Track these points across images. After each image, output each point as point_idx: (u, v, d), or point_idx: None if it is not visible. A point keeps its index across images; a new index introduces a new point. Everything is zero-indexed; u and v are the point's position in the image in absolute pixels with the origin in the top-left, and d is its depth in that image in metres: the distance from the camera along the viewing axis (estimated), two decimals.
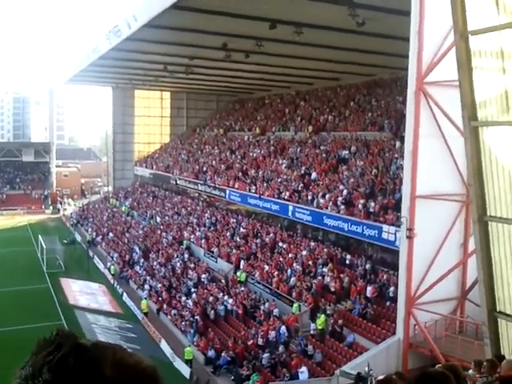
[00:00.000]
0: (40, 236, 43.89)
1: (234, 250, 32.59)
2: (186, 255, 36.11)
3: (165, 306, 29.81)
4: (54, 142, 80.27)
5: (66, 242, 47.85)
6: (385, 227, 22.15)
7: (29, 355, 1.09)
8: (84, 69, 47.37)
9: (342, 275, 24.91)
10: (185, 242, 38.07)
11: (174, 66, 40.34)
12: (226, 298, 27.89)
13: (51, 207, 70.88)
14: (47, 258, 39.99)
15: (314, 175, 31.41)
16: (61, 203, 72.79)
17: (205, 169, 44.36)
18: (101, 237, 48.40)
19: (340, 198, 26.72)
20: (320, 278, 25.35)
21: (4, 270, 39.03)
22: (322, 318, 22.50)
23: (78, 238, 51.74)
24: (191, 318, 26.71)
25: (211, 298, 28.29)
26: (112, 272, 37.96)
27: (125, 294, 33.76)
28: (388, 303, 21.93)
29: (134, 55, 38.68)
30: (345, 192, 27.10)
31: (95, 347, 1.08)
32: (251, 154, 41.61)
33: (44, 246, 40.58)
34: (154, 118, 68.21)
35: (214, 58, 34.98)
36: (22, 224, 61.07)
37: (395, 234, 20.95)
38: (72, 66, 52.26)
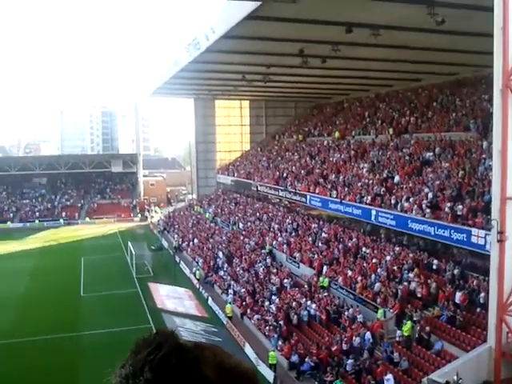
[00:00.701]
0: (129, 243, 46.03)
1: (316, 256, 32.53)
2: (269, 260, 36.49)
3: (248, 310, 30.25)
4: (140, 153, 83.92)
5: (153, 248, 49.88)
6: (474, 231, 21.32)
7: (128, 354, 1.10)
8: (166, 81, 49.21)
9: (429, 281, 24.18)
10: (267, 247, 38.50)
11: (252, 75, 40.99)
12: (308, 303, 27.87)
13: (139, 215, 74.11)
14: (136, 263, 41.86)
15: (396, 178, 30.76)
16: (148, 211, 75.94)
17: (285, 175, 44.66)
18: (186, 243, 49.96)
19: (425, 201, 25.99)
20: (406, 283, 24.75)
21: (97, 276, 41.37)
22: (408, 325, 21.95)
23: (165, 244, 53.76)
24: (275, 323, 26.93)
25: (294, 303, 28.37)
26: (197, 277, 39.08)
27: (210, 298, 34.63)
28: (478, 310, 21.01)
29: (212, 66, 39.75)
30: (430, 195, 26.33)
31: (196, 348, 1.09)
32: (331, 159, 41.40)
33: (133, 252, 42.51)
34: (234, 126, 69.70)
35: (291, 64, 35.19)
36: (113, 231, 64.34)
37: (485, 237, 20.11)
38: (155, 80, 54.50)
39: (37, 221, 70.55)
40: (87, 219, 72.31)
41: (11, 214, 72.60)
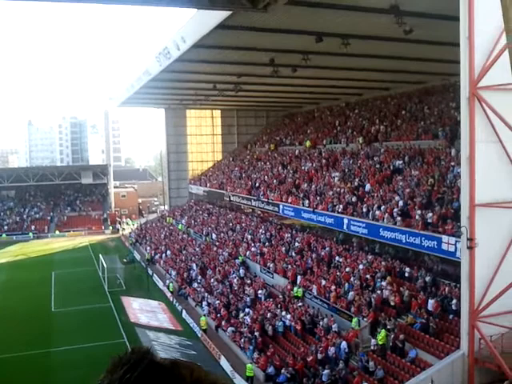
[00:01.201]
0: (101, 256, 45.27)
1: (290, 265, 32.47)
2: (242, 271, 36.29)
3: (223, 322, 29.98)
4: (110, 164, 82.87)
5: (125, 260, 49.17)
6: (444, 238, 21.52)
7: (103, 373, 1.06)
8: (137, 91, 48.79)
9: (401, 289, 24.36)
10: (240, 257, 38.29)
11: (223, 84, 40.99)
12: (283, 313, 27.75)
13: (110, 227, 73.08)
14: (108, 277, 41.15)
15: (367, 187, 30.98)
16: (120, 223, 74.96)
17: (257, 184, 44.60)
18: (159, 255, 49.39)
19: (396, 210, 26.20)
20: (379, 291, 24.86)
21: (68, 290, 40.55)
22: (382, 333, 22.00)
23: (138, 256, 53.02)
24: (250, 335, 26.72)
25: (269, 314, 28.22)
26: (171, 289, 38.62)
27: (184, 311, 34.22)
28: (451, 317, 21.21)
29: (183, 76, 39.60)
30: (401, 203, 26.56)
31: (173, 366, 1.05)
32: (303, 168, 41.53)
33: (105, 266, 41.80)
34: (205, 136, 69.49)
35: (262, 74, 35.32)
36: (84, 244, 63.29)
37: (455, 244, 20.32)
38: (125, 90, 54.02)
39: (4, 234, 68.89)
40: (57, 232, 70.96)
41: None
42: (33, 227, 71.58)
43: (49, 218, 75.50)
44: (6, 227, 71.54)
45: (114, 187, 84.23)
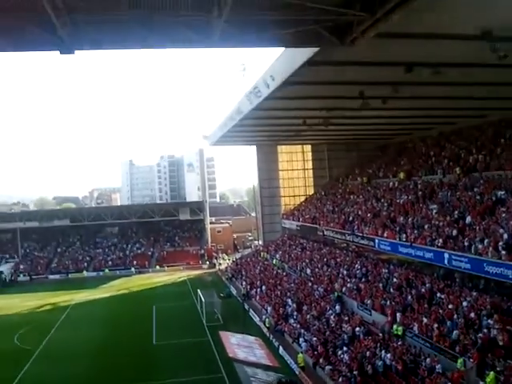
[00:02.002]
0: (199, 290, 46.58)
1: (389, 302, 31.62)
2: (339, 307, 35.79)
3: (321, 360, 29.61)
4: (206, 200, 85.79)
5: (222, 295, 50.20)
6: None
7: None
8: (229, 129, 50.44)
9: (510, 327, 22.88)
10: (336, 293, 37.83)
11: (313, 119, 41.36)
12: (383, 352, 26.95)
13: (207, 262, 75.09)
14: (206, 311, 42.18)
15: (468, 219, 29.74)
16: (216, 258, 76.86)
17: (351, 218, 44.17)
18: (254, 290, 49.95)
19: (501, 243, 24.90)
20: (485, 330, 23.53)
21: (168, 323, 42.02)
22: (491, 376, 20.72)
23: (234, 291, 53.96)
24: (348, 374, 26.18)
25: (368, 353, 27.52)
26: (267, 325, 38.81)
27: (281, 347, 34.21)
28: None
29: (274, 113, 40.50)
30: (505, 236, 25.23)
31: None
32: (398, 201, 40.65)
33: (203, 300, 42.94)
34: (297, 171, 70.23)
35: (352, 107, 35.34)
36: (182, 279, 65.46)
37: None
38: (218, 128, 56.10)
39: (107, 269, 73.04)
40: (157, 267, 74.03)
41: (85, 264, 75.62)
42: (135, 262, 75.34)
43: (149, 253, 79.16)
44: (109, 262, 75.86)
45: (210, 223, 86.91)
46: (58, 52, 12.98)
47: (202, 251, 78.63)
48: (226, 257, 78.75)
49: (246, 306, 45.36)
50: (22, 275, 72.54)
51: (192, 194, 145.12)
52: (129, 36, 13.51)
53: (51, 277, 72.10)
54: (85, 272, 72.72)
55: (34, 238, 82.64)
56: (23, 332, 41.40)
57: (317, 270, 45.77)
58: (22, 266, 75.29)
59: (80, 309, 50.63)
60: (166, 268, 73.22)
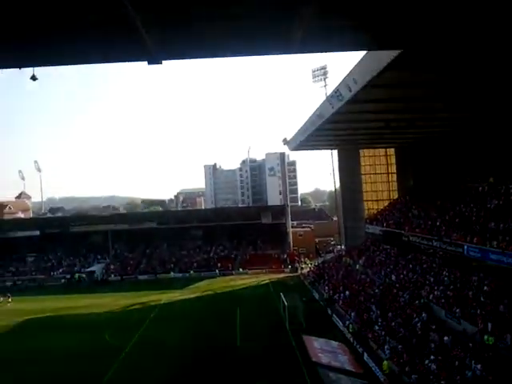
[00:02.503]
0: (281, 294, 47.03)
1: (479, 311, 30.44)
2: (425, 315, 34.88)
3: (407, 368, 29.03)
4: (288, 204, 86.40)
5: (305, 299, 50.31)
6: None
7: None
8: (310, 133, 50.51)
9: None
10: (423, 301, 36.89)
11: (397, 122, 40.60)
12: (473, 362, 26.02)
13: (289, 266, 75.48)
14: (289, 314, 42.49)
15: None
16: (298, 262, 77.06)
17: (438, 223, 42.87)
18: (337, 295, 49.67)
19: None
20: None
21: (251, 326, 42.66)
22: None
23: (316, 295, 53.94)
24: (436, 383, 25.51)
25: (457, 363, 26.67)
26: (351, 330, 38.53)
27: (365, 353, 33.88)
28: None
29: (355, 116, 40.15)
30: None
31: None
32: (488, 206, 39.00)
33: (286, 304, 43.31)
34: (380, 174, 69.01)
35: (436, 108, 34.42)
36: (265, 282, 66.22)
37: None
38: (299, 133, 56.32)
39: (192, 271, 75.35)
40: (240, 270, 75.44)
41: (172, 265, 78.49)
42: (219, 264, 77.19)
43: (233, 255, 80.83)
44: (195, 264, 78.24)
45: (292, 227, 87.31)
46: (146, 63, 13.72)
47: (284, 255, 79.16)
48: (308, 261, 78.75)
49: (329, 311, 45.24)
50: (112, 275, 76.62)
51: (273, 198, 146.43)
52: (211, 45, 14.12)
53: (140, 277, 75.54)
54: (172, 273, 75.55)
55: (123, 239, 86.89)
56: (114, 329, 43.79)
57: (402, 276, 44.80)
58: (112, 267, 79.56)
59: (168, 308, 52.72)
60: (249, 271, 74.36)
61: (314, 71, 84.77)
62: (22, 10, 10.62)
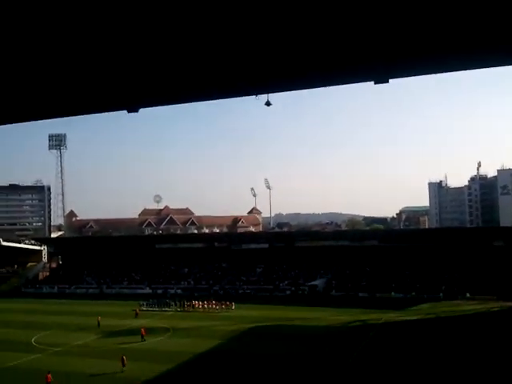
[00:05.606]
0: None
1: None
2: None
3: None
4: None
5: None
6: None
7: None
8: None
9: None
10: None
11: None
12: None
13: None
14: None
15: None
16: None
17: None
18: None
19: None
20: None
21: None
22: None
23: None
24: None
25: None
26: None
27: None
28: None
29: None
30: None
31: None
32: None
33: None
34: None
35: None
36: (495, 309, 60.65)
37: None
38: None
39: (413, 292, 72.75)
40: (467, 294, 70.25)
41: (393, 284, 76.85)
42: (443, 287, 73.07)
43: (456, 277, 75.73)
44: (417, 285, 75.31)
45: None
46: None
47: None
48: None
49: None
50: (334, 290, 78.31)
51: (508, 219, 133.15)
52: None
53: (360, 294, 75.61)
54: (392, 292, 74.12)
55: (344, 255, 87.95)
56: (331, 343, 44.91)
57: None
58: (333, 282, 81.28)
59: (390, 328, 51.85)
60: (476, 296, 68.79)
61: None
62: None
